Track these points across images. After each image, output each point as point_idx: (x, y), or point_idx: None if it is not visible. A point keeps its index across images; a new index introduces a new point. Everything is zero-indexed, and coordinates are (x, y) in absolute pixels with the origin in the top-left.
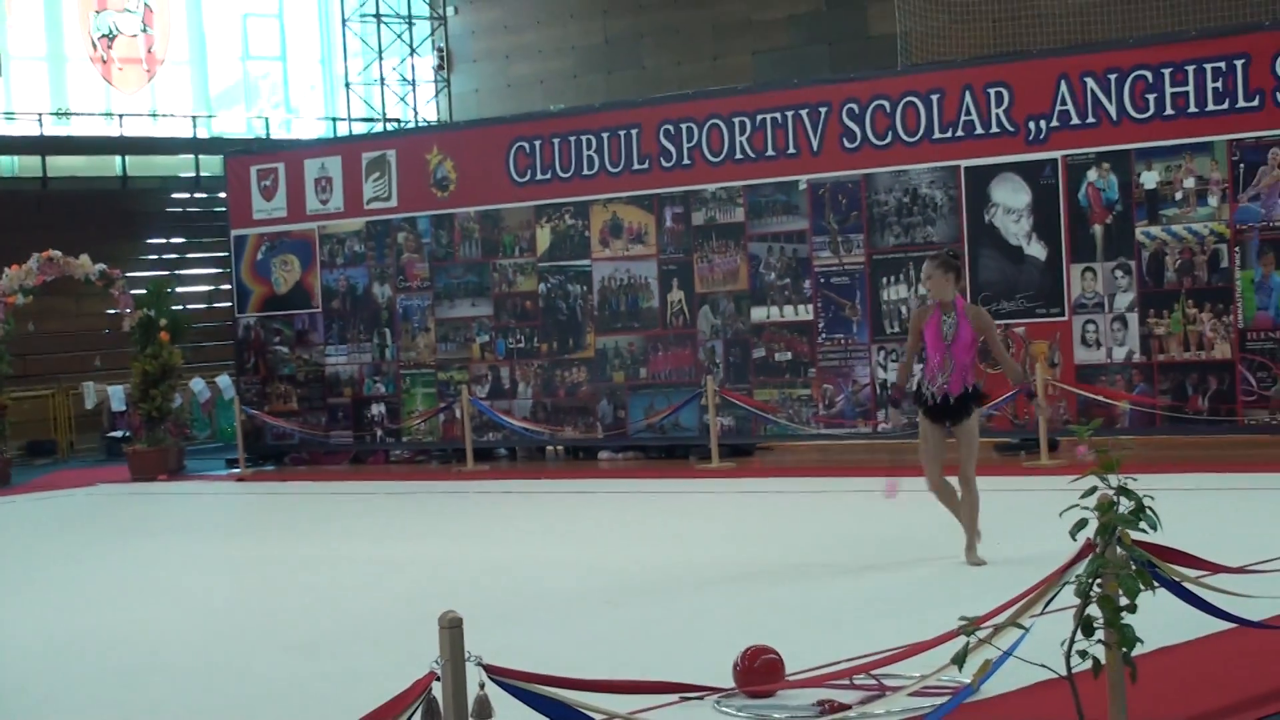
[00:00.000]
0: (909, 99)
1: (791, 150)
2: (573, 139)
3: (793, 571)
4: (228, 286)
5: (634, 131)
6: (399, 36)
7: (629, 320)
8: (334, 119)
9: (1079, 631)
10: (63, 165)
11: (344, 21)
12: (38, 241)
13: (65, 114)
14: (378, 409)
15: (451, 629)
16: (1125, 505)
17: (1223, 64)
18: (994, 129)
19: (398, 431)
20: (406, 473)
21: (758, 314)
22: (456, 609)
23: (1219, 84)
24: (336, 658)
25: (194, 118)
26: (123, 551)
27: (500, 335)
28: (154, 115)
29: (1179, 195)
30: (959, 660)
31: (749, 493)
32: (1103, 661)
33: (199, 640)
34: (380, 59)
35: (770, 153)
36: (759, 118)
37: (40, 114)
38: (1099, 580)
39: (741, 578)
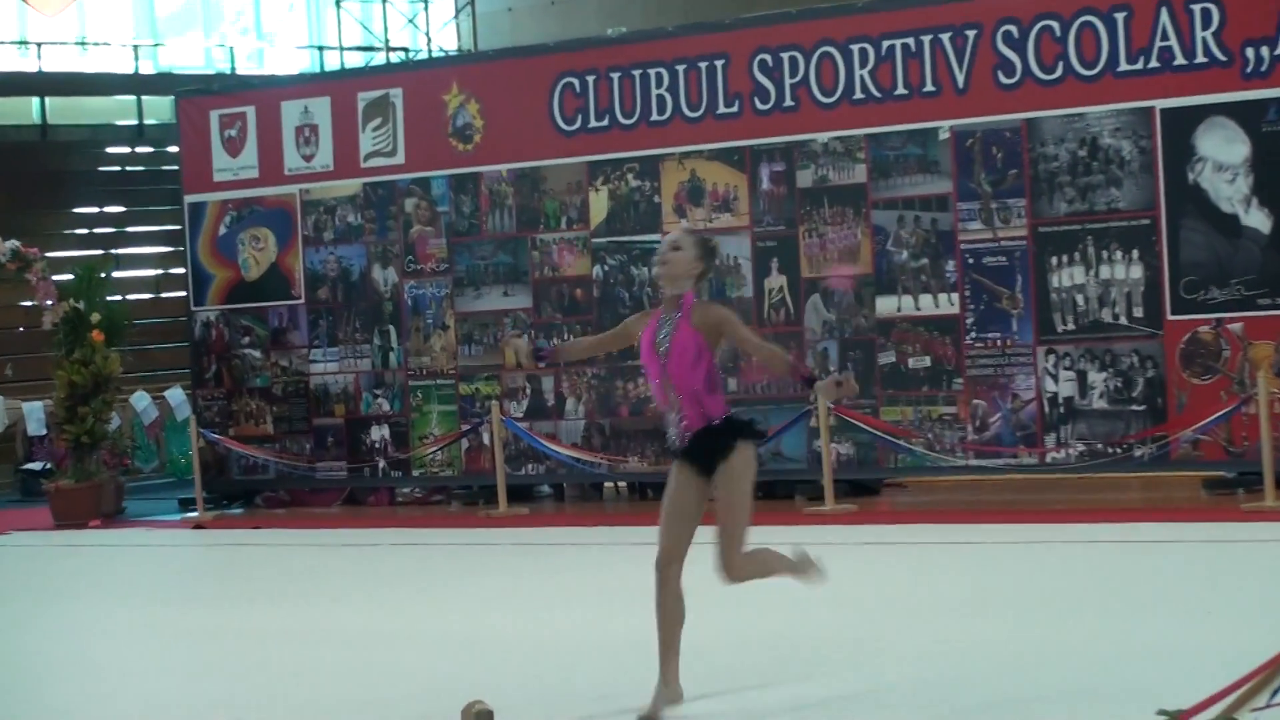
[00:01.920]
0: (1085, 19)
1: (929, 87)
2: (638, 73)
3: (933, 649)
4: (180, 270)
5: (720, 63)
6: None
7: None
8: (320, 48)
9: None
10: None
11: None
12: None
13: None
14: (380, 433)
15: None
16: None
17: None
18: (1200, 58)
19: (406, 463)
20: (418, 518)
21: (885, 306)
22: (485, 698)
23: None
24: None
25: (135, 47)
26: (41, 622)
27: (542, 334)
28: (83, 44)
29: None
30: None
31: (873, 544)
32: None
33: None
34: None
35: (901, 90)
36: (885, 44)
37: None
38: None
39: (863, 657)
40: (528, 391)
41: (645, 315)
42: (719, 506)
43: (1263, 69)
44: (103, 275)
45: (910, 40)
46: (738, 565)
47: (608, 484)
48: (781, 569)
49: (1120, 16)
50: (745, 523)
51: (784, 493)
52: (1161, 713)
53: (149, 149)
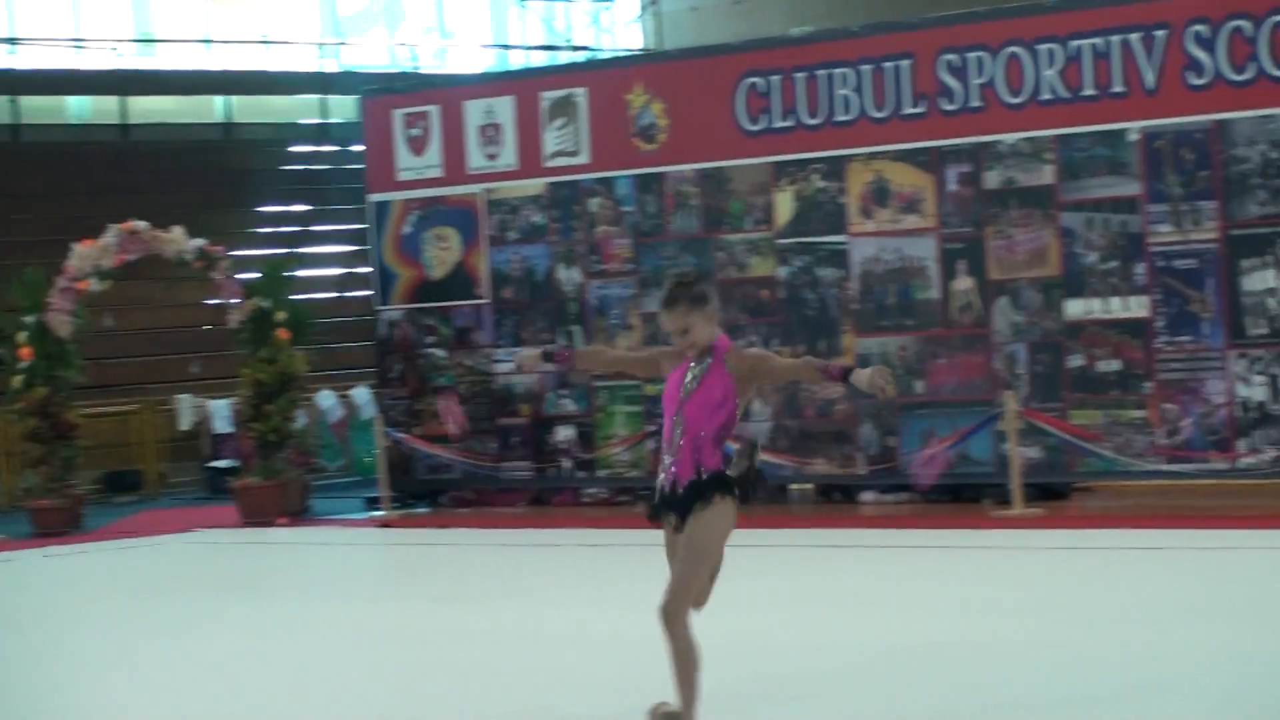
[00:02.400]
0: (1278, 19)
1: (1118, 88)
2: (823, 73)
3: (1123, 656)
4: (365, 269)
5: (906, 63)
6: None
7: (900, 316)
8: (504, 47)
9: None
10: (148, 108)
11: None
12: (117, 208)
13: (150, 41)
14: (565, 433)
15: None
16: None
17: None
18: None
19: (591, 463)
20: (603, 518)
21: (1073, 309)
22: (669, 700)
23: None
24: None
25: (319, 45)
26: (228, 619)
27: (728, 336)
28: (266, 43)
29: None
30: None
31: (1062, 549)
32: None
33: None
34: None
35: (1089, 91)
36: (1073, 44)
37: (118, 41)
38: None
39: (1053, 664)
40: None
41: (678, 355)
42: (682, 545)
43: None
44: (287, 274)
45: (1099, 40)
46: (676, 614)
47: (793, 486)
48: (684, 679)
49: None
50: (702, 570)
51: (971, 496)
52: None
53: (333, 148)
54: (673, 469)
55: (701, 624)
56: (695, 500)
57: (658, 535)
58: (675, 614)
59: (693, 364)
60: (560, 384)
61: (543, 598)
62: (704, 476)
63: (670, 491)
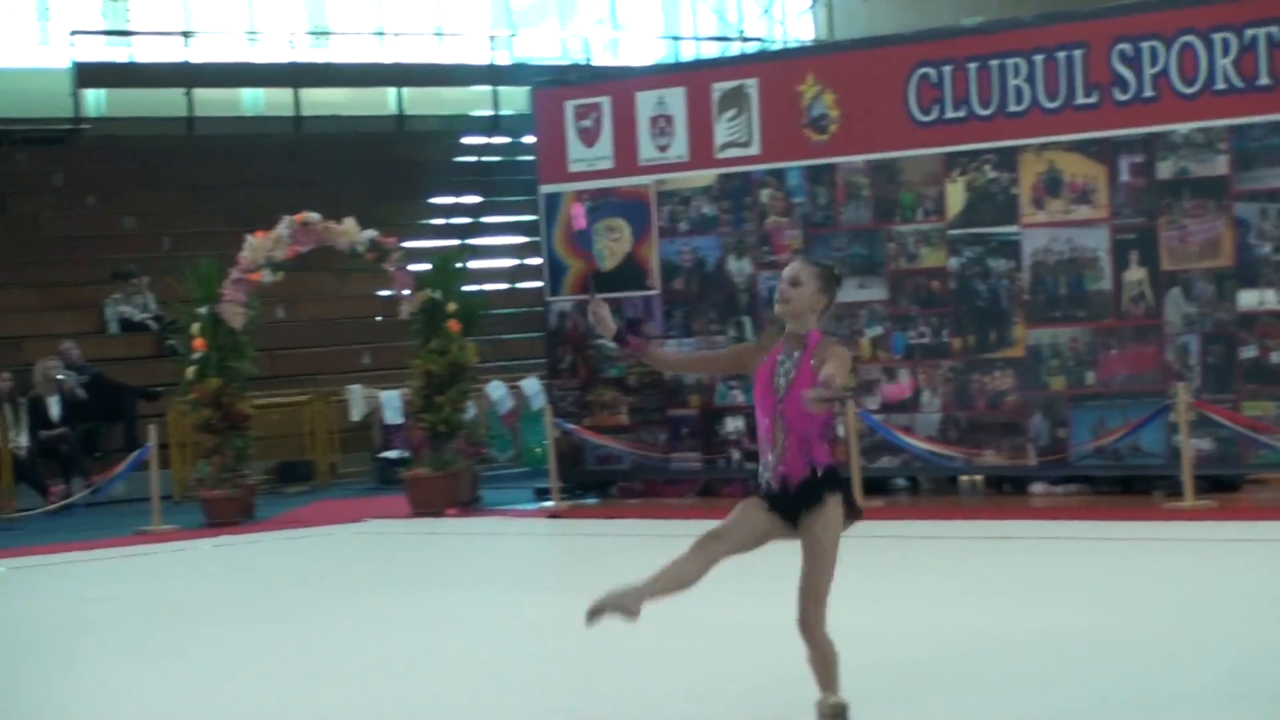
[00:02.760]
0: None
1: None
2: (995, 63)
3: None
4: (536, 261)
5: (1078, 53)
6: None
7: (1071, 307)
8: (675, 38)
9: None
10: (321, 101)
11: None
12: (290, 200)
13: (324, 34)
14: (734, 424)
15: (834, 719)
16: None
17: None
18: None
19: (757, 454)
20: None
21: (1247, 299)
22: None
23: None
24: None
25: (491, 38)
26: (399, 609)
27: (898, 327)
28: (439, 35)
29: None
30: None
31: (1233, 541)
32: None
33: None
34: None
35: (1264, 81)
36: (1249, 33)
37: (292, 35)
38: None
39: (1223, 658)
40: (883, 385)
41: (762, 348)
42: (806, 555)
43: None
44: (459, 265)
45: (1275, 29)
46: (818, 621)
47: (963, 478)
48: (828, 678)
49: None
50: (831, 577)
51: (1142, 488)
52: None
53: (504, 139)
54: (780, 468)
55: (872, 614)
56: (810, 500)
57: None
58: (817, 621)
59: (782, 357)
60: (731, 376)
61: (708, 590)
62: (819, 473)
63: (781, 491)
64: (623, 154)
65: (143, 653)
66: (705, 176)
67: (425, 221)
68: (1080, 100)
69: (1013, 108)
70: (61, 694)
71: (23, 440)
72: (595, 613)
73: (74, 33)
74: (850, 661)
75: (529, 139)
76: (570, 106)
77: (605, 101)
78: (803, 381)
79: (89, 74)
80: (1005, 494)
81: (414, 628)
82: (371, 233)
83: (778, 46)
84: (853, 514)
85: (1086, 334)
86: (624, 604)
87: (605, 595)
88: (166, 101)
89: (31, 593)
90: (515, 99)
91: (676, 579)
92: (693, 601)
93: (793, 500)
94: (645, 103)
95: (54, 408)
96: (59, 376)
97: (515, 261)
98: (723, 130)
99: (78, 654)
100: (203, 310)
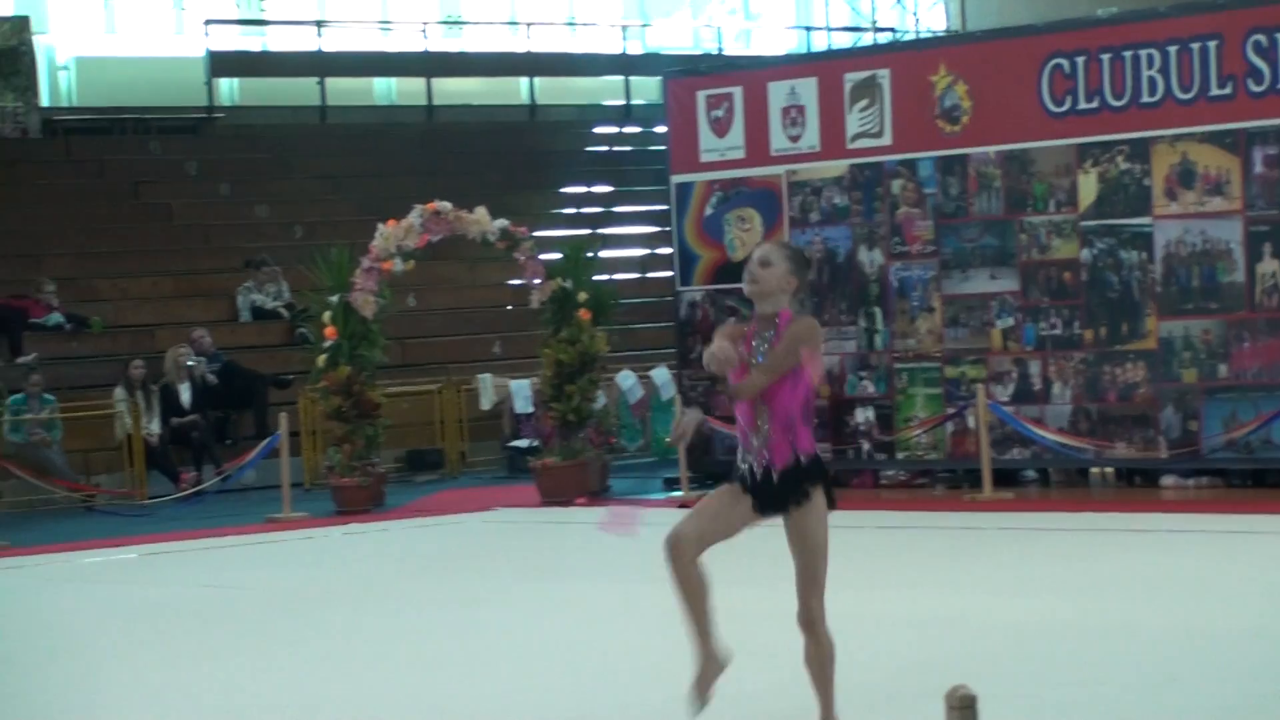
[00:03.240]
0: None
1: None
2: (1128, 54)
3: None
4: (666, 250)
5: (1212, 44)
6: None
7: (1203, 300)
8: (807, 28)
9: None
10: (454, 90)
11: None
12: (421, 189)
13: (457, 23)
14: (864, 415)
15: (962, 710)
16: None
17: None
18: None
19: (891, 445)
20: (902, 500)
21: None
22: (968, 683)
23: None
24: None
25: (624, 27)
26: (530, 598)
27: (1029, 318)
28: (571, 25)
29: None
30: None
31: None
32: None
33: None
34: None
35: None
36: None
37: (425, 24)
38: None
39: None
40: (1014, 376)
41: (738, 329)
42: (797, 550)
43: None
44: (590, 254)
45: None
46: (819, 617)
47: (1094, 470)
48: (825, 681)
49: None
50: (824, 566)
51: (1273, 482)
52: None
53: (636, 129)
54: (764, 454)
55: (1004, 601)
56: (794, 492)
57: (956, 518)
58: (820, 616)
59: (755, 340)
60: (861, 365)
61: (838, 580)
62: (803, 462)
63: (763, 478)
64: (754, 144)
65: (271, 639)
66: (837, 167)
67: (556, 211)
68: (1214, 91)
69: (1146, 99)
70: (190, 681)
71: (154, 427)
72: (699, 701)
73: (208, 22)
74: (980, 650)
75: (661, 129)
76: (702, 96)
77: (737, 92)
78: None
79: (223, 63)
80: (1136, 487)
81: (543, 616)
82: (503, 222)
83: (910, 37)
84: (830, 505)
85: (1219, 326)
86: (706, 675)
87: (694, 689)
88: (300, 90)
89: (162, 579)
90: (647, 89)
91: (694, 599)
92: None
93: (775, 490)
94: (777, 93)
95: (185, 395)
96: (189, 364)
97: (646, 251)
98: (854, 121)
99: (206, 640)
100: (334, 298)
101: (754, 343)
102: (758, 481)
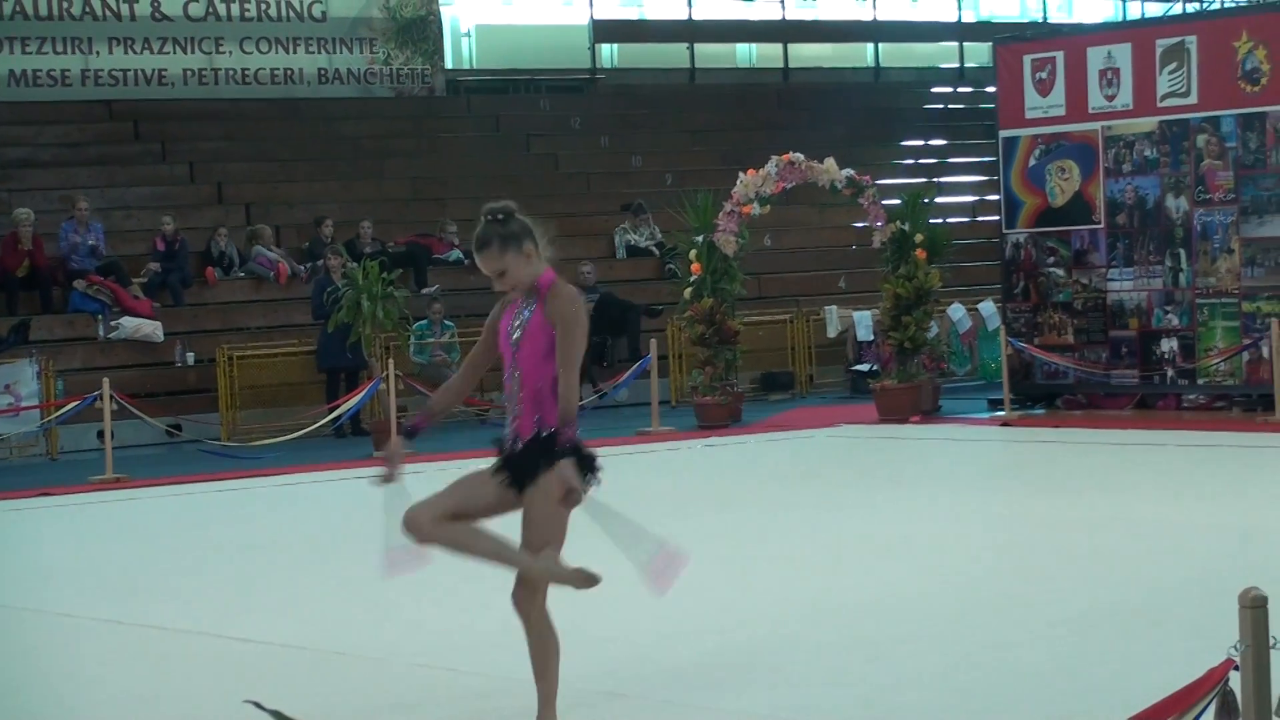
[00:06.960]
0: None
1: None
2: None
3: None
4: (994, 197)
5: None
6: None
7: None
8: None
9: None
10: (807, 54)
11: None
12: (777, 142)
13: None
14: (1169, 345)
15: (1254, 609)
16: None
17: None
18: None
19: (1192, 372)
20: (1202, 421)
21: None
22: (1260, 585)
23: None
24: (1111, 637)
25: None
26: (868, 504)
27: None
28: None
29: None
30: None
31: None
32: None
33: (951, 610)
34: None
35: None
36: None
37: None
38: None
39: None
40: None
41: (505, 301)
42: (523, 522)
43: None
44: (926, 201)
45: None
46: (527, 600)
47: None
48: (542, 669)
49: None
50: (552, 548)
51: None
52: None
53: (968, 89)
54: (514, 423)
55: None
56: (531, 466)
57: (1250, 438)
58: (528, 600)
59: (519, 308)
60: (1166, 300)
61: (1144, 490)
62: (543, 434)
63: (511, 448)
64: (1074, 102)
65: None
66: (1148, 123)
67: (896, 162)
68: None
69: None
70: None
71: None
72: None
73: None
74: (1274, 557)
75: (990, 89)
76: (1028, 60)
77: (1059, 56)
78: (534, 333)
79: (605, 30)
80: None
81: (882, 521)
82: (849, 171)
83: (1216, 6)
84: (587, 472)
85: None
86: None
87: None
88: (671, 55)
89: None
90: (979, 53)
91: (470, 545)
92: (1127, 501)
93: (516, 460)
94: (1095, 57)
95: None
96: None
97: (975, 198)
98: (1164, 82)
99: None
100: (699, 239)
101: (517, 310)
102: (506, 453)
